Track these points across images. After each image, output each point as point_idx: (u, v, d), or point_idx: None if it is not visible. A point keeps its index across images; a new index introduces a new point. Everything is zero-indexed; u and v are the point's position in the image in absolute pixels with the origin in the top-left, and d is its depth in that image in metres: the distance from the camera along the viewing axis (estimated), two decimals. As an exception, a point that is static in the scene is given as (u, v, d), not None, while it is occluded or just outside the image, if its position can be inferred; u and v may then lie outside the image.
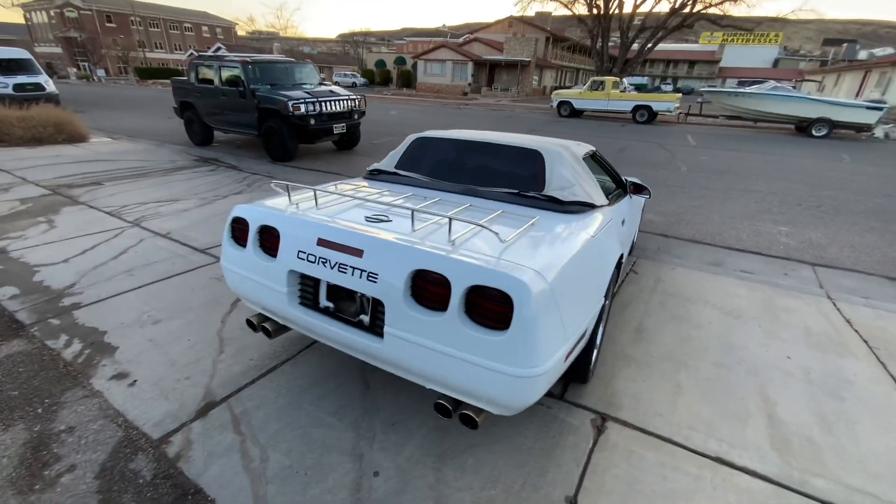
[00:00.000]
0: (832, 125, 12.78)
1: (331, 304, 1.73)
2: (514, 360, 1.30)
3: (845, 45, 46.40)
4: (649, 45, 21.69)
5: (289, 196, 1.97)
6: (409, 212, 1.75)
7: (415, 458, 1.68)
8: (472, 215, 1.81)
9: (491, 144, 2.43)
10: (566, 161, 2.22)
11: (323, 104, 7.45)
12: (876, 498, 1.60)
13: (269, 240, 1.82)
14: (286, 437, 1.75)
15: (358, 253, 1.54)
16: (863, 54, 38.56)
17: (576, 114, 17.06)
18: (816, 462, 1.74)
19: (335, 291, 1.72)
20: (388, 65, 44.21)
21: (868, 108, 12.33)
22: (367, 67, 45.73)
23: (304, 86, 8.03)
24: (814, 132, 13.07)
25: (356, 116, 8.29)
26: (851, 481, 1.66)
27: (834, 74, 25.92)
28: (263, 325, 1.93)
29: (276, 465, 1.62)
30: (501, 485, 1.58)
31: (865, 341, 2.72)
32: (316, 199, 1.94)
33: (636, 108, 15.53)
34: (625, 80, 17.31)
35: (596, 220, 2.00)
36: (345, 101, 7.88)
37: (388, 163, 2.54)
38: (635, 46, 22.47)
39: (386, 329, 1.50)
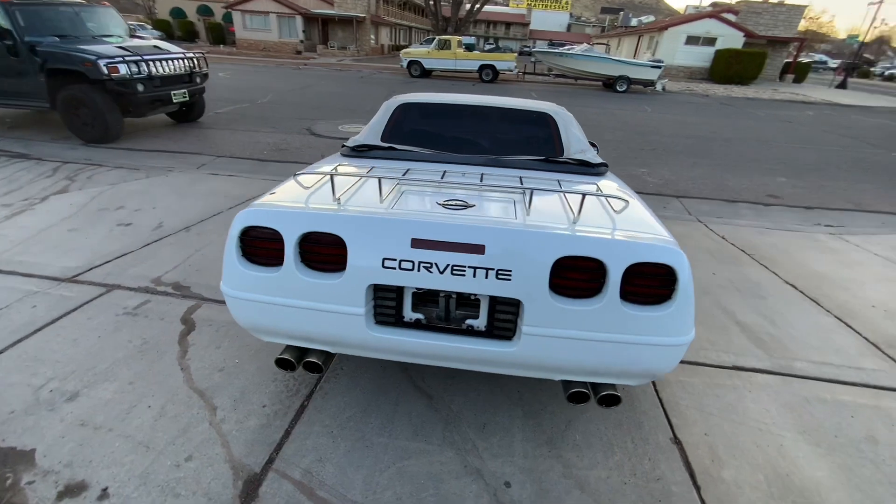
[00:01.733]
0: (630, 81, 15.77)
1: (420, 316, 1.43)
2: (676, 330, 1.29)
3: (621, 12, 56.64)
4: (478, 6, 22.76)
5: (333, 188, 1.49)
6: (480, 192, 1.53)
7: (531, 454, 1.58)
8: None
9: (493, 108, 2.24)
10: (574, 122, 2.21)
11: (152, 64, 5.77)
12: (832, 365, 2.17)
13: (317, 250, 1.38)
14: (381, 483, 1.44)
15: (478, 249, 1.27)
16: (634, 21, 47.84)
17: (426, 74, 17.11)
18: (784, 349, 2.26)
19: (423, 299, 1.42)
20: (187, 14, 36.31)
21: (652, 66, 15.56)
22: (158, 17, 36.79)
23: (108, 38, 6.03)
24: (617, 88, 15.92)
25: (198, 80, 6.69)
26: (812, 357, 2.21)
27: (616, 38, 31.67)
28: (310, 360, 1.49)
29: (392, 520, 1.33)
30: (618, 450, 1.62)
31: (742, 250, 3.57)
32: (344, 190, 1.52)
33: (482, 68, 16.39)
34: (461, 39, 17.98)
35: (615, 178, 2.06)
36: (181, 61, 6.25)
37: (370, 136, 2.13)
38: (466, 6, 23.32)
39: (524, 329, 1.31)
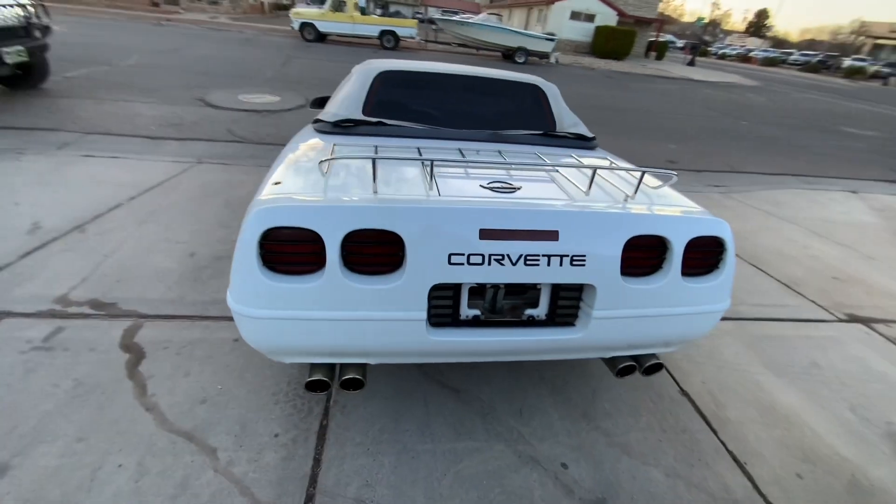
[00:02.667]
0: (528, 53, 16.41)
1: (476, 312, 1.30)
2: (722, 297, 1.38)
3: (509, -17, 57.87)
4: (369, -35, 21.37)
5: (374, 174, 1.27)
6: (509, 172, 1.43)
7: (573, 431, 1.60)
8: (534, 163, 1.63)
9: (481, 79, 2.10)
10: (560, 95, 2.18)
11: (-35, 10, 4.33)
12: (764, 305, 2.57)
13: (364, 251, 1.16)
14: (444, 493, 1.33)
15: (552, 236, 1.18)
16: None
17: (321, 38, 15.70)
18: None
19: (474, 293, 1.29)
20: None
21: (546, 39, 16.35)
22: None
23: None
24: (516, 59, 16.46)
25: (38, 34, 5.21)
26: (749, 300, 2.60)
27: (507, 10, 32.43)
28: (351, 377, 1.28)
29: (467, 530, 1.25)
30: (643, 411, 1.72)
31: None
32: (374, 174, 1.28)
33: (383, 33, 15.56)
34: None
35: (606, 152, 2.09)
36: (12, 8, 4.78)
37: (349, 108, 1.85)
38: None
39: (594, 314, 1.27)
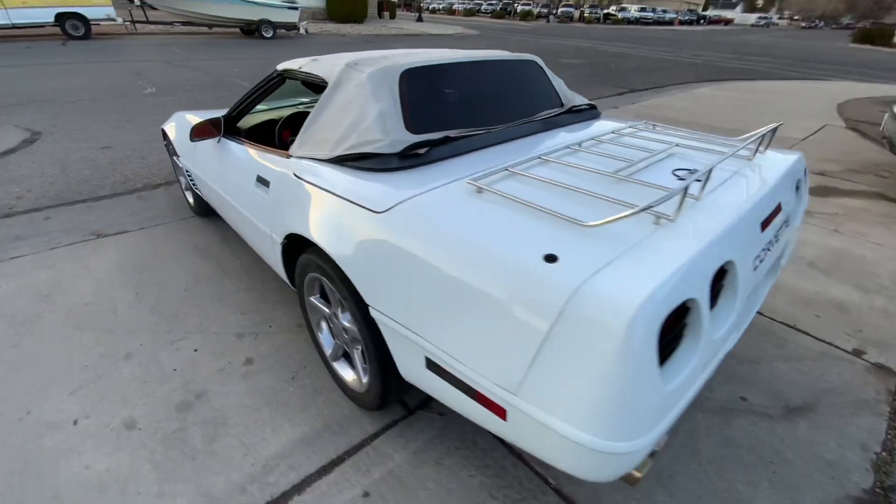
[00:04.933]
0: (274, 26, 14.72)
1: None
2: None
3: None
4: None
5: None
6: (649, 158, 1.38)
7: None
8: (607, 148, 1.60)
9: (494, 62, 1.82)
10: None
11: None
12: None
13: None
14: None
15: (779, 209, 1.22)
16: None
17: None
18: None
19: None
20: None
21: (289, 7, 14.90)
22: None
23: None
24: (263, 34, 14.62)
25: None
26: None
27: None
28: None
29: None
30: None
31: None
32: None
33: (62, 18, 11.22)
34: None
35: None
36: None
37: (386, 130, 1.35)
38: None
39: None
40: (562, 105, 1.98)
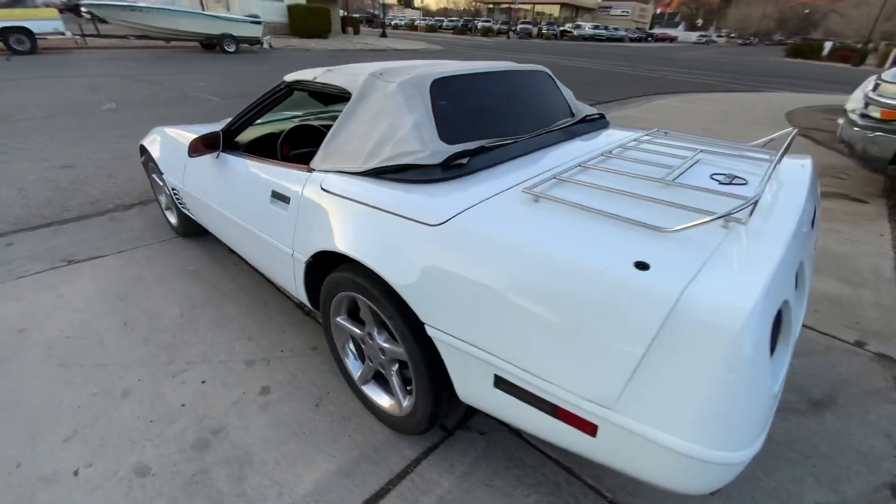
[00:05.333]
0: (237, 40, 14.36)
1: None
2: None
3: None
4: None
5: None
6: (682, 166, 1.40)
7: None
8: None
9: (511, 73, 1.81)
10: None
11: None
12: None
13: None
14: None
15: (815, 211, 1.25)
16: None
17: None
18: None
19: None
20: None
21: (252, 22, 14.60)
22: None
23: None
24: (226, 48, 14.22)
25: None
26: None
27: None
28: None
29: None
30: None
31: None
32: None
33: (5, 32, 10.46)
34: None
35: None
36: None
37: (424, 141, 1.30)
38: None
39: None
40: (572, 114, 2.00)
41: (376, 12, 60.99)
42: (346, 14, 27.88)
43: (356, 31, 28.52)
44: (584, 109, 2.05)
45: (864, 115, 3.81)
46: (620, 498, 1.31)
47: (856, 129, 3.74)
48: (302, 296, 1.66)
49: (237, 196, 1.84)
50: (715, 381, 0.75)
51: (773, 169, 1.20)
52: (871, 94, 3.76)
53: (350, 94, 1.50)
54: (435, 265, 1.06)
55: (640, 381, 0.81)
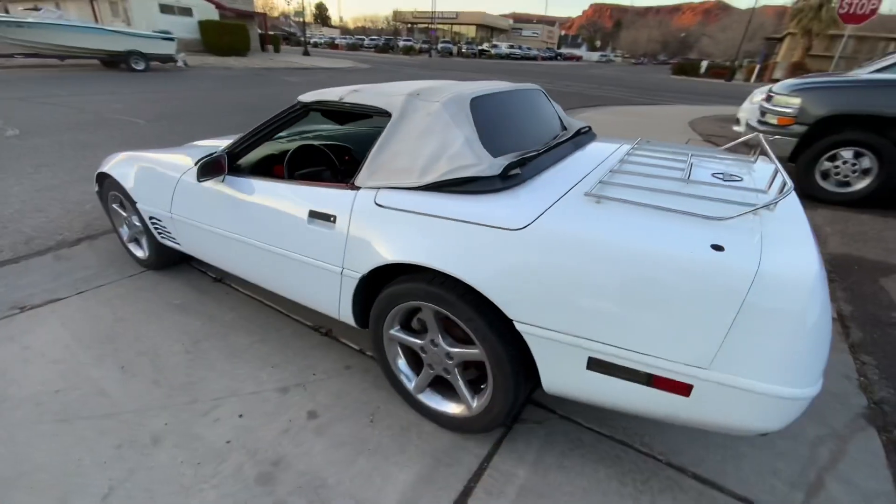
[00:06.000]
0: (147, 58, 13.23)
1: None
2: None
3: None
4: None
5: None
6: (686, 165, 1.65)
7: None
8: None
9: (520, 91, 1.96)
10: None
11: None
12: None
13: None
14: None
15: None
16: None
17: None
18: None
19: None
20: None
21: (163, 39, 13.56)
22: None
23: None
24: (133, 66, 13.04)
25: None
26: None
27: (52, 1, 23.68)
28: None
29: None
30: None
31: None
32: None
33: None
34: None
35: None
36: None
37: (478, 154, 1.39)
38: None
39: None
40: (564, 126, 2.23)
41: (293, 30, 59.58)
42: (264, 31, 26.91)
43: (276, 49, 27.66)
44: (573, 121, 2.29)
45: (762, 122, 4.58)
46: (672, 458, 1.49)
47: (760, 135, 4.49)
48: (346, 314, 1.65)
49: (259, 219, 1.79)
50: (794, 331, 0.95)
51: (779, 167, 1.45)
52: (766, 105, 4.54)
53: (388, 112, 1.56)
54: (523, 265, 1.17)
55: (732, 341, 0.98)
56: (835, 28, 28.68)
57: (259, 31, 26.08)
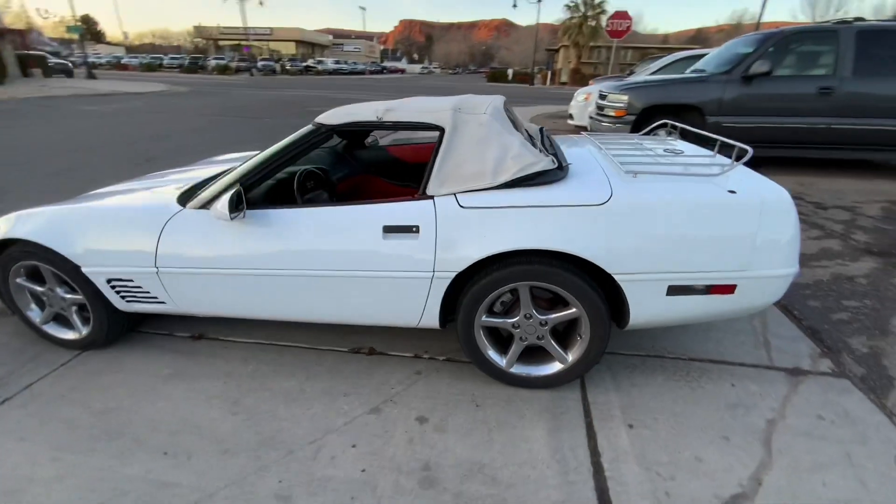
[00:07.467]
0: None
1: None
2: None
3: None
4: None
5: None
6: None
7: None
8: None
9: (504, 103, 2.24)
10: None
11: None
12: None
13: None
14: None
15: None
16: None
17: None
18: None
19: None
20: None
21: None
22: None
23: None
24: None
25: None
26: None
27: None
28: None
29: None
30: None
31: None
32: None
33: None
34: None
35: None
36: None
37: (534, 152, 1.68)
38: None
39: None
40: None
41: (53, 48, 48.02)
42: (25, 52, 21.11)
43: (46, 74, 22.04)
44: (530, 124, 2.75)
45: (602, 115, 5.90)
46: (691, 355, 2.04)
47: (603, 124, 5.78)
48: (430, 316, 1.75)
49: (311, 247, 1.72)
50: (790, 232, 1.54)
51: (720, 141, 2.09)
52: (602, 102, 5.87)
53: (439, 127, 1.72)
54: (614, 229, 1.53)
55: (758, 248, 1.52)
56: (595, 41, 36.93)
57: (15, 51, 20.31)
